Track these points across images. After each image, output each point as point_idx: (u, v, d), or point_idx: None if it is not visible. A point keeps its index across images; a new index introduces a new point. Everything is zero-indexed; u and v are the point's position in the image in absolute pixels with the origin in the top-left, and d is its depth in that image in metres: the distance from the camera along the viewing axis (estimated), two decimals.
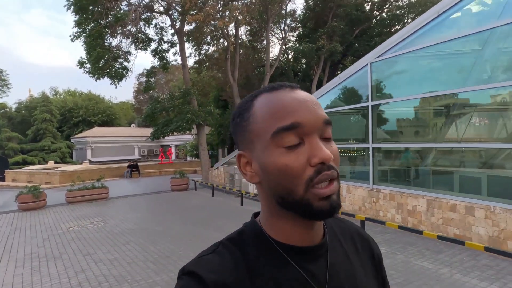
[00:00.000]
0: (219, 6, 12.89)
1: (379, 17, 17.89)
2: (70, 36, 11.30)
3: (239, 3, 14.02)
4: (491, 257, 4.20)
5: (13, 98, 51.52)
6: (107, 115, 30.95)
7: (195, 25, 13.00)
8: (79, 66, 11.94)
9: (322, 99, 7.16)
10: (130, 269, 4.20)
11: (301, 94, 0.46)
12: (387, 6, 17.53)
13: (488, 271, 3.83)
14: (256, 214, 0.54)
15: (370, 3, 17.27)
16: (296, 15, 18.70)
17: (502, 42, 4.82)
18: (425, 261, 4.22)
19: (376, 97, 5.98)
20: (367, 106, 5.96)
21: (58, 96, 38.06)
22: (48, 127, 24.34)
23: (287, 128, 0.42)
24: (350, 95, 6.55)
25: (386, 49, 5.69)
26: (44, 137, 24.07)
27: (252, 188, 9.41)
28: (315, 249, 0.48)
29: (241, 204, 8.49)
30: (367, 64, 5.98)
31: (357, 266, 0.53)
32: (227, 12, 12.81)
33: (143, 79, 25.31)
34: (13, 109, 31.16)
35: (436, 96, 5.55)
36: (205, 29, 14.21)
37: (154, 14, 14.32)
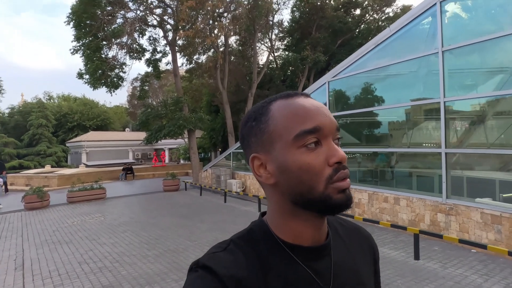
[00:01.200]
0: (209, 22, 14.25)
1: (361, 27, 19.41)
2: (70, 49, 12.61)
3: (228, 17, 15.43)
4: (410, 236, 5.54)
5: (4, 102, 52.22)
6: (101, 120, 32.08)
7: (186, 39, 14.28)
8: (79, 77, 13.20)
9: None
10: (128, 248, 5.47)
11: (316, 101, 0.51)
12: (366, 19, 19.10)
13: (399, 243, 5.19)
14: (263, 214, 0.56)
15: (350, 16, 18.78)
16: (284, 26, 20.16)
17: (430, 66, 6.22)
18: None
19: (333, 110, 7.36)
20: None
21: (52, 101, 39.09)
22: (44, 132, 25.42)
23: (310, 131, 0.46)
24: None
25: (339, 71, 7.09)
26: (40, 142, 25.14)
27: (235, 188, 10.71)
28: (320, 248, 0.51)
29: (225, 201, 9.78)
30: (325, 83, 7.37)
31: (361, 264, 0.57)
32: (216, 28, 14.19)
33: (137, 84, 26.55)
34: (6, 114, 32.10)
35: (381, 109, 6.95)
36: (196, 40, 15.54)
37: (148, 26, 15.65)
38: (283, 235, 0.51)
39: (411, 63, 6.02)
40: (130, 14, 15.02)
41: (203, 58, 18.10)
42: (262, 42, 20.93)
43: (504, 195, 5.03)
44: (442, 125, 5.27)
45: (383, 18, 18.72)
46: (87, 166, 21.63)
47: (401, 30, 5.93)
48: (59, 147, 26.35)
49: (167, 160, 29.94)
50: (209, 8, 13.03)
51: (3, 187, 14.85)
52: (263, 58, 22.51)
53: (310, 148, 0.47)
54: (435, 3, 5.27)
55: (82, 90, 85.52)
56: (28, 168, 22.41)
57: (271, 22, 18.84)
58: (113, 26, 13.86)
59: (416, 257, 4.47)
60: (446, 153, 5.25)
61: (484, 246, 4.06)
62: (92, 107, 32.78)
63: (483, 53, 5.14)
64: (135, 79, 28.26)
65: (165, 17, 15.66)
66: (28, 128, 25.89)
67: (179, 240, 5.79)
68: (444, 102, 5.27)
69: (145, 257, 4.92)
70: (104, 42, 13.51)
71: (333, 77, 7.25)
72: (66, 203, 11.00)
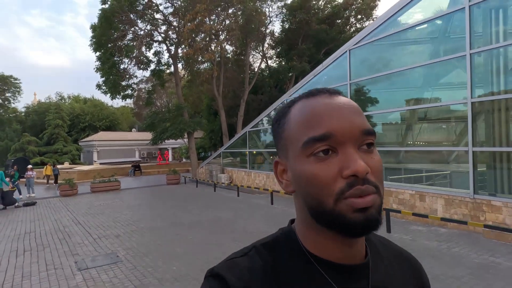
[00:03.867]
0: (207, 40, 17.24)
1: (343, 36, 22.10)
2: (94, 68, 15.82)
3: (224, 33, 18.37)
4: None
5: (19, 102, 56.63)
6: (110, 120, 35.60)
7: (186, 56, 17.28)
8: (97, 88, 16.42)
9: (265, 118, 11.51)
10: (143, 216, 8.52)
11: (339, 100, 0.45)
12: (347, 29, 21.78)
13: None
14: (293, 221, 0.53)
15: (334, 26, 21.46)
16: (275, 36, 22.98)
17: (345, 93, 9.05)
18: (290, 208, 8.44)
19: None
20: None
21: (63, 101, 42.95)
22: (60, 132, 29.01)
23: (319, 139, 0.42)
24: None
25: (292, 93, 9.98)
26: (57, 141, 28.73)
27: (223, 180, 13.72)
28: (356, 268, 0.46)
29: (214, 190, 12.81)
30: (284, 100, 10.27)
31: None
32: (213, 43, 17.18)
33: (142, 86, 29.75)
34: (22, 113, 35.95)
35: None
36: (195, 56, 18.56)
37: (154, 41, 18.74)
38: (312, 248, 0.47)
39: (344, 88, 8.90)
40: (139, 32, 18.15)
41: (202, 67, 21.12)
42: (257, 51, 23.84)
43: (390, 177, 7.90)
44: None
45: (364, 27, 21.35)
46: (101, 163, 25.02)
47: (329, 66, 8.78)
48: (74, 146, 29.91)
49: (170, 159, 33.21)
50: (207, 30, 15.98)
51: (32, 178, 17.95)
52: (257, 64, 25.42)
53: (320, 158, 0.42)
54: (346, 51, 8.12)
55: (89, 88, 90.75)
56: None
57: (263, 33, 21.70)
58: (124, 42, 16.97)
59: None
60: None
61: None
62: (102, 109, 36.32)
63: (377, 84, 7.98)
64: (141, 81, 31.44)
65: (169, 32, 18.71)
66: (46, 128, 29.46)
67: (177, 212, 8.83)
68: None
69: (154, 220, 7.97)
70: (118, 57, 16.64)
71: (289, 96, 10.17)
72: (89, 192, 14.20)
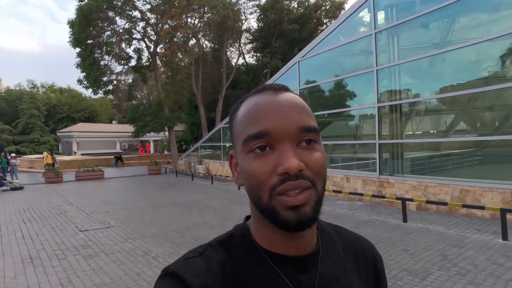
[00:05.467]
0: (184, 40, 18.61)
1: (314, 35, 24.03)
2: (74, 64, 16.87)
3: (200, 34, 19.75)
4: None
5: None
6: (89, 112, 36.14)
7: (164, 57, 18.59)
8: (79, 83, 17.52)
9: None
10: (127, 199, 10.19)
11: (281, 97, 0.47)
12: (320, 28, 23.73)
13: None
14: (248, 217, 0.56)
15: (305, 27, 23.32)
16: (252, 31, 24.52)
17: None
18: None
19: None
20: None
21: (36, 89, 42.65)
22: (37, 122, 29.53)
23: (255, 136, 0.44)
24: None
25: None
26: (33, 130, 29.25)
27: (201, 170, 15.50)
28: (305, 258, 0.49)
29: (192, 179, 14.56)
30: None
31: (354, 277, 0.54)
32: (190, 42, 18.57)
33: (121, 78, 30.54)
34: None
35: None
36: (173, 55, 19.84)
37: (133, 38, 19.85)
38: (262, 242, 0.50)
39: None
40: (118, 29, 19.19)
41: (181, 64, 22.41)
42: (234, 47, 25.34)
43: (342, 164, 9.96)
44: None
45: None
46: (81, 154, 26.01)
47: (285, 73, 10.65)
48: (51, 136, 30.51)
49: (152, 151, 34.42)
50: (183, 33, 17.37)
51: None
52: (235, 60, 26.95)
53: (257, 154, 0.45)
54: (296, 62, 10.02)
55: (61, 76, 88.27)
56: (25, 154, 26.57)
57: (239, 31, 23.18)
58: (102, 39, 17.95)
59: None
60: None
61: None
62: (80, 100, 36.72)
63: (323, 89, 9.95)
64: (120, 73, 32.17)
65: (148, 29, 19.82)
66: (20, 117, 29.69)
67: (156, 196, 10.57)
68: None
69: (137, 201, 9.69)
70: (98, 54, 17.71)
71: None
72: (74, 180, 15.56)
